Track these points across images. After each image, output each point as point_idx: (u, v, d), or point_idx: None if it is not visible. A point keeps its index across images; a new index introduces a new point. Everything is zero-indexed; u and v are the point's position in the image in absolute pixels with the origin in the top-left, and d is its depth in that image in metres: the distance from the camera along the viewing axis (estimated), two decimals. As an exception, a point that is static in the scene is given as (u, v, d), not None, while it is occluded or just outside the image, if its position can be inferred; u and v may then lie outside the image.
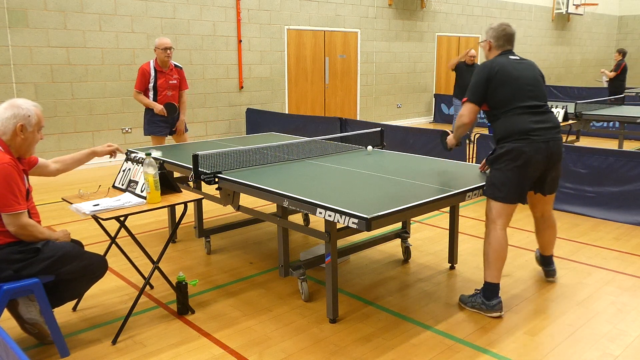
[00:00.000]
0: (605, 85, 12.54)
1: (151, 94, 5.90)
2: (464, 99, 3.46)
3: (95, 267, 3.02)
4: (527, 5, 16.47)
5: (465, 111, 3.43)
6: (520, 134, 3.27)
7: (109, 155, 3.54)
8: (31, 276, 2.80)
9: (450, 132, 3.89)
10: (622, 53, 11.95)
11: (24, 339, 3.13)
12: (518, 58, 3.50)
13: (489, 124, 3.61)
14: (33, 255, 2.81)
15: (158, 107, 5.85)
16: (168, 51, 5.79)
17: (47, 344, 3.05)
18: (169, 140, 6.42)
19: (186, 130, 6.25)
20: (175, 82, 6.00)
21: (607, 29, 20.69)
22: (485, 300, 3.40)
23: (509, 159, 3.28)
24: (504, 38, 3.52)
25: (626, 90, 12.67)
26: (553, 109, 7.34)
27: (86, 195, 3.27)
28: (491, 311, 3.37)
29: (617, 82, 11.93)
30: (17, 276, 2.77)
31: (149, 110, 5.97)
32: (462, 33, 14.57)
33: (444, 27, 14.06)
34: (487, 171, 3.56)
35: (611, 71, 12.12)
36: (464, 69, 9.49)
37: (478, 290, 3.52)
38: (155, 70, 5.86)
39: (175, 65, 6.03)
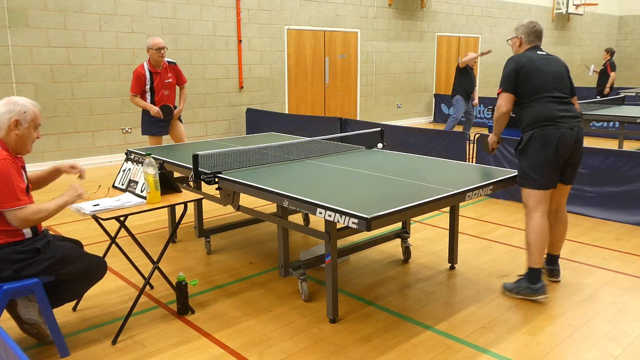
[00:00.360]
0: (591, 74, 12.70)
1: (148, 95, 5.92)
2: (499, 90, 3.63)
3: (95, 268, 3.02)
4: (527, 5, 16.47)
5: (502, 101, 3.60)
6: (548, 120, 3.46)
7: (78, 176, 3.21)
8: (31, 276, 2.80)
9: (488, 135, 3.96)
10: (611, 52, 11.99)
11: (24, 339, 3.13)
12: (544, 53, 3.70)
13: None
14: (33, 255, 2.81)
15: (154, 110, 5.87)
16: (162, 51, 5.78)
17: (47, 344, 3.05)
18: (168, 140, 6.42)
19: (180, 120, 6.29)
20: (171, 80, 6.02)
21: (607, 29, 20.69)
22: (530, 284, 3.56)
23: (538, 145, 3.47)
24: (535, 34, 3.72)
25: (626, 90, 12.68)
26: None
27: (86, 195, 3.26)
28: (536, 294, 3.55)
29: (607, 82, 11.97)
30: (17, 276, 2.77)
31: (146, 111, 5.99)
32: (462, 33, 14.56)
33: (444, 27, 14.06)
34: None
35: (600, 69, 12.16)
36: (468, 71, 9.54)
37: (521, 275, 3.68)
38: (150, 72, 5.86)
39: (169, 62, 6.03)
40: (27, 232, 2.84)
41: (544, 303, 3.55)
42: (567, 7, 17.50)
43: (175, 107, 6.12)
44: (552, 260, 3.95)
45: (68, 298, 3.11)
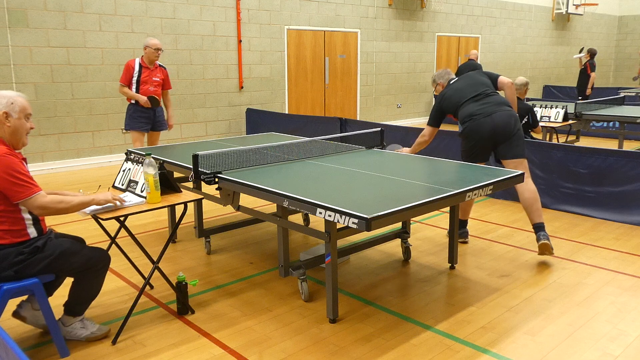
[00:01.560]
0: (574, 57, 13.09)
1: (134, 87, 6.13)
2: (427, 124, 4.69)
3: (96, 260, 2.99)
4: (527, 5, 16.47)
5: (427, 132, 4.65)
6: (468, 117, 4.37)
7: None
8: (31, 276, 2.80)
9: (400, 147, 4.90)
10: (591, 53, 12.01)
11: (24, 339, 3.13)
12: (456, 79, 4.67)
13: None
14: (33, 255, 2.80)
15: (142, 99, 6.09)
16: (159, 52, 6.13)
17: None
18: (164, 141, 6.45)
19: (166, 128, 6.54)
20: (159, 79, 6.26)
21: (607, 29, 20.69)
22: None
23: (464, 136, 4.43)
24: (447, 74, 4.76)
25: (626, 90, 12.68)
26: (553, 109, 7.34)
27: (86, 195, 3.26)
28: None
29: (587, 82, 11.98)
30: (17, 276, 2.77)
31: (131, 106, 6.21)
32: (462, 33, 14.56)
33: (444, 27, 14.06)
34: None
35: (581, 69, 12.19)
36: (462, 69, 9.62)
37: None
38: (140, 66, 6.13)
39: (160, 65, 6.30)
40: (32, 232, 2.84)
41: (543, 303, 3.56)
42: (567, 7, 17.49)
43: (163, 107, 6.41)
44: (537, 228, 4.29)
45: (85, 295, 3.06)
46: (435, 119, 4.63)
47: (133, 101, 6.16)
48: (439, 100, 4.63)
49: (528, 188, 4.32)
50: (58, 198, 2.81)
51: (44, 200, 2.74)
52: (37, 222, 2.88)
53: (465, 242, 4.73)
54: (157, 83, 6.24)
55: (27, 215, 2.82)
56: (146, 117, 6.21)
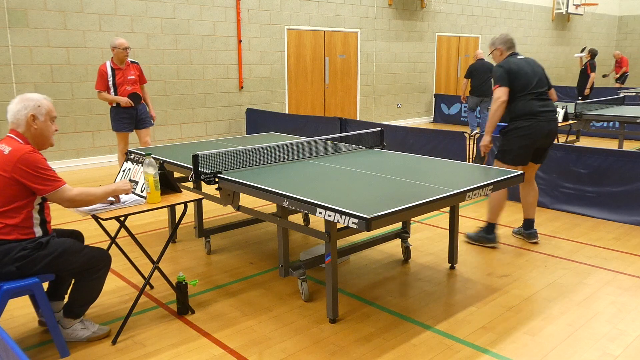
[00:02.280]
0: (575, 56, 13.21)
1: (111, 91, 6.16)
2: (496, 86, 4.28)
3: (97, 260, 2.99)
4: (527, 5, 16.47)
5: (501, 92, 4.24)
6: (530, 115, 4.23)
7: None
8: (33, 274, 2.81)
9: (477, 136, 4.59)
10: (592, 54, 12.01)
11: (24, 339, 3.13)
12: (523, 57, 4.42)
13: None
14: (36, 251, 2.81)
15: (123, 100, 6.11)
16: (127, 50, 6.14)
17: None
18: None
19: (152, 123, 6.56)
20: (134, 77, 6.27)
21: (607, 29, 20.69)
22: (486, 234, 4.55)
23: (519, 134, 4.25)
24: (510, 42, 4.46)
25: (626, 91, 12.67)
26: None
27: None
28: (490, 242, 4.54)
29: (586, 82, 12.00)
30: (19, 273, 2.78)
31: (113, 109, 6.24)
32: (462, 33, 14.56)
33: (444, 27, 14.06)
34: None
35: (581, 69, 12.20)
36: (477, 68, 10.23)
37: (481, 227, 4.62)
38: (112, 69, 6.13)
39: (132, 62, 6.32)
40: (38, 232, 2.87)
41: (544, 303, 3.56)
42: (567, 7, 17.49)
43: (145, 103, 6.46)
44: (529, 225, 4.64)
45: (86, 297, 3.07)
46: (507, 80, 4.25)
47: (114, 104, 6.17)
48: (504, 68, 4.25)
49: (534, 188, 4.66)
50: (85, 190, 2.90)
51: (71, 193, 2.83)
52: (44, 223, 2.92)
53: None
54: (133, 81, 6.25)
55: (36, 215, 2.86)
56: (129, 117, 6.25)
